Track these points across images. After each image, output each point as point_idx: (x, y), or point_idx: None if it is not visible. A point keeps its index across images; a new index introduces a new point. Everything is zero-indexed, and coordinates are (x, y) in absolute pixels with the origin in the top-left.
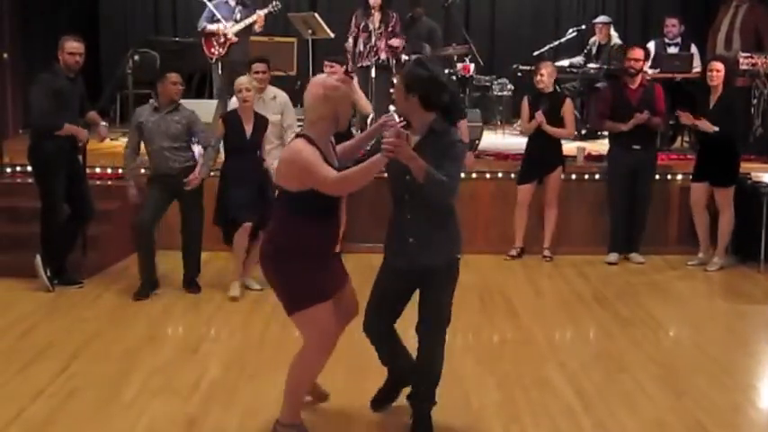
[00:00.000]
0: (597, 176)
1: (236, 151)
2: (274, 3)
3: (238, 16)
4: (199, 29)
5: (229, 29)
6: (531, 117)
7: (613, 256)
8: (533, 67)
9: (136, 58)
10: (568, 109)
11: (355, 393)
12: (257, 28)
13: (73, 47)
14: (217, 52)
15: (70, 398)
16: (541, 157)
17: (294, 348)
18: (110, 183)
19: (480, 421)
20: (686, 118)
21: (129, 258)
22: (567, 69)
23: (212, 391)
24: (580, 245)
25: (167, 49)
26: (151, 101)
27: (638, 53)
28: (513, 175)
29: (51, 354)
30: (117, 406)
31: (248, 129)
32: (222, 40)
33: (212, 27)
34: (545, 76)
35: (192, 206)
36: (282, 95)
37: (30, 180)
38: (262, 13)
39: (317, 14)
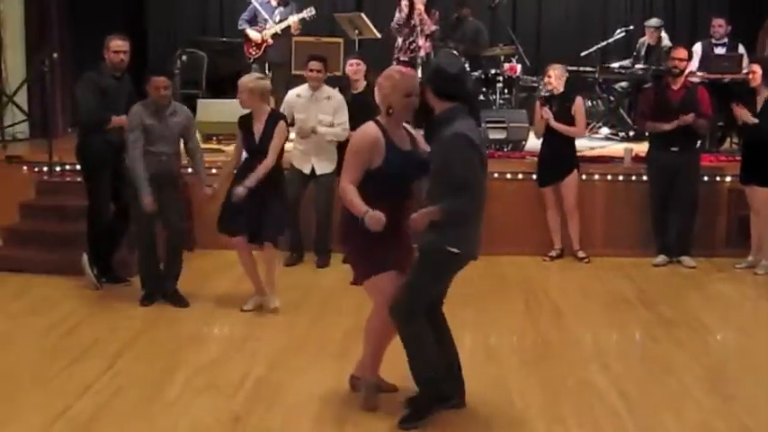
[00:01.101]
0: (645, 178)
1: (247, 153)
2: (309, 9)
3: (278, 17)
4: (239, 28)
5: (266, 32)
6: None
7: (660, 259)
8: (578, 68)
9: (183, 58)
10: (579, 108)
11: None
12: (294, 31)
13: (117, 45)
14: (254, 52)
15: (115, 395)
16: (555, 159)
17: (338, 349)
18: None
19: (524, 422)
20: (741, 112)
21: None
22: (617, 70)
23: (256, 389)
24: (626, 247)
25: (214, 49)
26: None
27: (681, 53)
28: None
29: (97, 351)
30: (161, 404)
31: (258, 130)
32: (259, 41)
33: (250, 32)
34: (553, 78)
35: (171, 209)
36: (337, 96)
37: (78, 179)
38: (296, 18)
39: (363, 14)
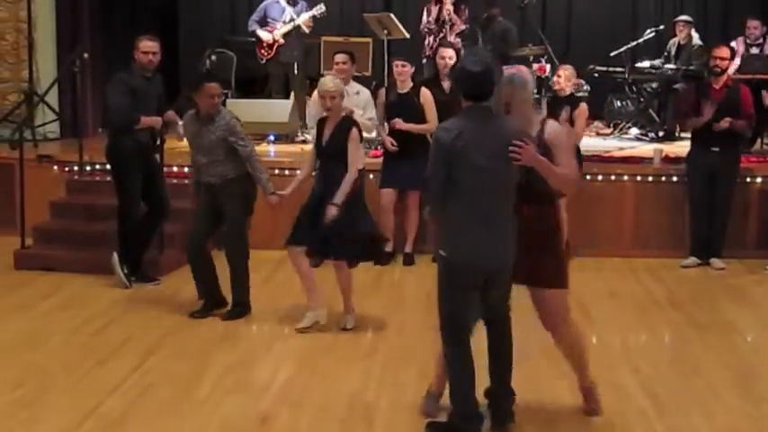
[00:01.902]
0: (675, 179)
1: (317, 157)
2: (319, 6)
3: (288, 17)
4: (249, 29)
5: (276, 32)
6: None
7: (690, 260)
8: (609, 68)
9: (213, 57)
10: (582, 114)
11: None
12: (306, 29)
13: (147, 46)
14: (266, 53)
15: (145, 393)
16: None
17: (366, 350)
18: (186, 181)
19: (553, 424)
20: None
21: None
22: (646, 71)
23: (285, 390)
24: (655, 248)
25: (243, 49)
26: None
27: (723, 52)
28: None
29: (127, 350)
30: (191, 403)
31: (326, 134)
32: (270, 42)
33: (261, 34)
34: (562, 78)
35: (230, 221)
36: (365, 92)
37: (108, 178)
38: (306, 16)
39: (392, 14)
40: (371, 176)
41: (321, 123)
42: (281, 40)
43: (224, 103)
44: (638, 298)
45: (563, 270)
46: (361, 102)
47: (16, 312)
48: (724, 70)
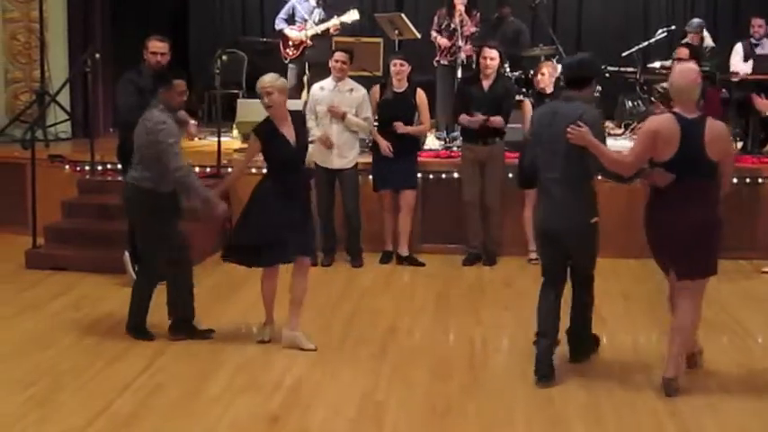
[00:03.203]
0: None
1: (281, 165)
2: (352, 12)
3: (317, 18)
4: (276, 28)
5: (306, 32)
6: None
7: None
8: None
9: (224, 58)
10: None
11: None
12: (333, 31)
13: (156, 46)
14: (291, 53)
15: (156, 393)
16: None
17: (376, 349)
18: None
19: (563, 422)
20: (763, 104)
21: (216, 255)
22: (658, 71)
23: (295, 389)
24: None
25: (254, 49)
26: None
27: (682, 52)
28: None
29: (138, 349)
30: (201, 402)
31: (290, 134)
32: (298, 42)
33: (290, 32)
34: (546, 76)
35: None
36: (360, 90)
37: (119, 178)
38: (337, 21)
39: (403, 15)
40: (371, 177)
41: (270, 127)
42: (310, 42)
43: (235, 104)
44: (651, 298)
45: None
46: (353, 101)
47: (27, 312)
48: None
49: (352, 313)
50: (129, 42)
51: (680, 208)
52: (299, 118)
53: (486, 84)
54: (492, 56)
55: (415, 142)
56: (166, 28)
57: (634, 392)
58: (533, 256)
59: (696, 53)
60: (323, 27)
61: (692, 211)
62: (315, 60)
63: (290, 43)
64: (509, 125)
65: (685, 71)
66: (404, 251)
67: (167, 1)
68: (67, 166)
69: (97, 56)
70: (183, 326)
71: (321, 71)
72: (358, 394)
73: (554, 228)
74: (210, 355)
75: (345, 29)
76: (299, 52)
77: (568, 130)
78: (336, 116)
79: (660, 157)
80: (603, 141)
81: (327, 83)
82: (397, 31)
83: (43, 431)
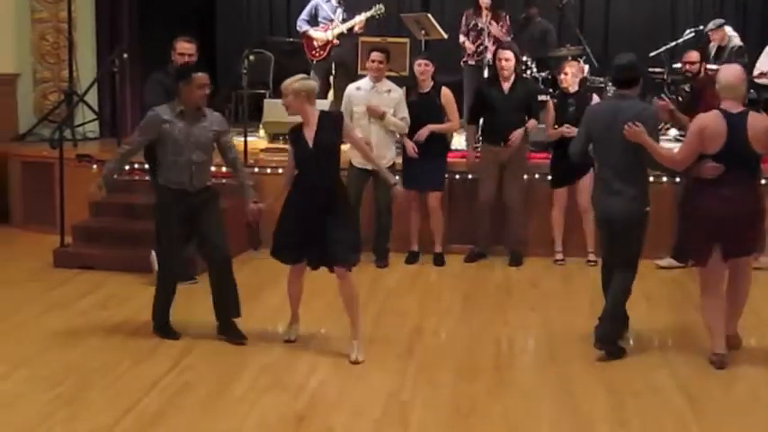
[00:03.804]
0: None
1: (300, 166)
2: (378, 6)
3: (340, 17)
4: (299, 29)
5: (330, 32)
6: (557, 120)
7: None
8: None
9: (251, 58)
10: None
11: None
12: (357, 29)
13: (184, 47)
14: (318, 54)
15: (182, 392)
16: (568, 161)
17: (402, 350)
18: (224, 181)
19: (588, 425)
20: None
21: (243, 255)
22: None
23: (320, 389)
24: None
25: (281, 49)
26: (172, 103)
27: (692, 56)
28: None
29: (164, 348)
30: (227, 401)
31: (309, 135)
32: (324, 42)
33: (315, 33)
34: (569, 76)
35: (214, 226)
36: (397, 91)
37: (146, 177)
38: (363, 17)
39: (429, 15)
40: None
41: (297, 130)
42: (336, 41)
43: (262, 104)
44: (674, 299)
45: None
46: (391, 101)
47: (55, 310)
48: (695, 74)
49: (377, 314)
50: (157, 42)
51: (730, 196)
52: (327, 119)
53: (506, 86)
54: (507, 57)
55: (444, 143)
56: (193, 28)
57: (659, 395)
58: (559, 257)
59: (705, 55)
60: (348, 25)
61: (741, 198)
62: (340, 60)
63: (316, 44)
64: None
65: (733, 69)
66: (437, 249)
67: (195, 1)
68: (95, 166)
69: (125, 56)
70: (227, 325)
71: (346, 71)
72: (383, 394)
73: (610, 214)
74: (237, 355)
75: (371, 26)
76: (325, 53)
77: (625, 127)
78: (375, 116)
79: (709, 151)
80: (657, 137)
81: (364, 83)
82: (423, 32)
83: (71, 429)
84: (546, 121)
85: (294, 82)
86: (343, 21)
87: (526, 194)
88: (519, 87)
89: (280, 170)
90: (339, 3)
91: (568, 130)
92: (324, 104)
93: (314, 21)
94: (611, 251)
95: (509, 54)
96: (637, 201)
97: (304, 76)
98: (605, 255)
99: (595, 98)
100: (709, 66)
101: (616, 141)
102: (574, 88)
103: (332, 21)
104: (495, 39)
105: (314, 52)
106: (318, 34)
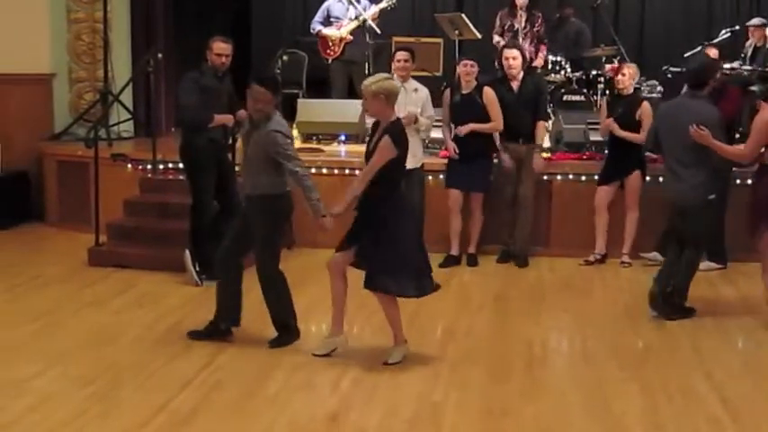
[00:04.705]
0: (749, 181)
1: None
2: None
3: (352, 14)
4: (312, 31)
5: (344, 28)
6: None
7: None
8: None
9: (285, 58)
10: (646, 112)
11: None
12: (373, 24)
13: (220, 48)
14: (333, 52)
15: (215, 390)
16: (620, 159)
17: (434, 350)
18: None
19: (622, 427)
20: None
21: None
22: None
23: (353, 389)
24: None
25: (315, 49)
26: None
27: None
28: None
29: (198, 347)
30: (260, 400)
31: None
32: (337, 40)
33: (327, 31)
34: (626, 77)
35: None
36: (424, 90)
37: (180, 177)
38: (374, 9)
39: (463, 15)
40: (430, 177)
41: (373, 129)
42: (349, 37)
43: (295, 104)
44: (709, 301)
45: None
46: (418, 100)
47: (90, 308)
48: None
49: (410, 314)
50: (192, 42)
51: None
52: (388, 126)
53: (515, 85)
54: (513, 56)
55: (489, 144)
56: (228, 28)
57: (694, 397)
58: (591, 258)
59: (724, 54)
60: (361, 19)
61: None
62: (354, 58)
63: (330, 42)
64: (566, 126)
65: None
66: (470, 249)
67: (229, 1)
68: (130, 165)
69: (160, 56)
70: (284, 330)
71: (361, 69)
72: (415, 395)
73: (677, 199)
74: (269, 354)
75: (404, 26)
76: (339, 50)
77: (691, 130)
78: (410, 122)
79: None
80: (723, 136)
81: None
82: (457, 32)
83: (104, 427)
84: (601, 118)
85: (372, 83)
86: (355, 18)
87: (562, 196)
88: (528, 85)
89: (313, 169)
90: (350, 1)
91: (614, 125)
92: (358, 104)
93: (327, 21)
94: (679, 233)
95: (515, 53)
96: (701, 188)
97: (385, 76)
98: (667, 237)
99: (645, 104)
100: (725, 65)
101: (681, 137)
102: (629, 90)
103: (342, 20)
104: (531, 38)
105: (328, 51)
106: (330, 31)
